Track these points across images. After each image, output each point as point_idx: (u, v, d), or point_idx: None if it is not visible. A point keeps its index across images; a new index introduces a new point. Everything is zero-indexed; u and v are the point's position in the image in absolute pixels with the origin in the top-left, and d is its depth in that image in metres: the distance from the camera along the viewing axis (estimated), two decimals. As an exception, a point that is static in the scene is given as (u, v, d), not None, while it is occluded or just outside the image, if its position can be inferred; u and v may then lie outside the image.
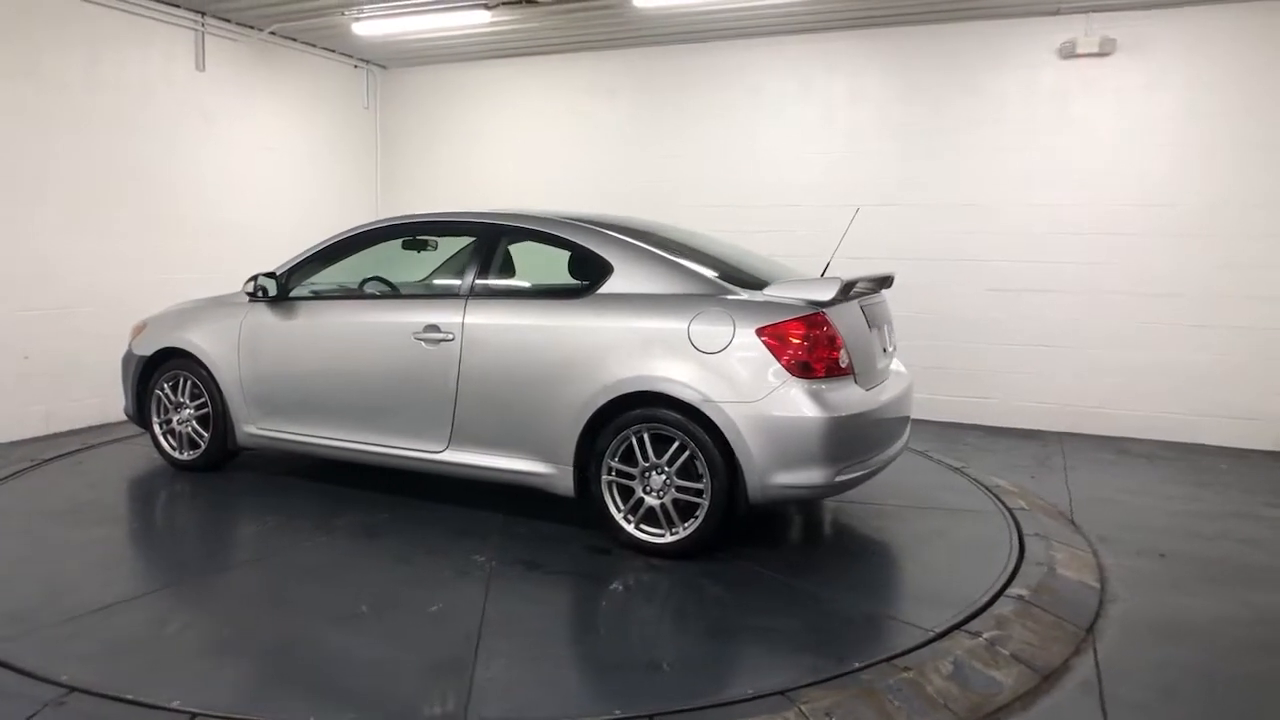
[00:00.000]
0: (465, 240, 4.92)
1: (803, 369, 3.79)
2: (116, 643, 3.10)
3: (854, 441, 3.89)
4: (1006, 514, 4.72)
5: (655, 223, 5.36)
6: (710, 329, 3.89)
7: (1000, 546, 4.21)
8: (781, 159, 7.89)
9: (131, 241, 6.80)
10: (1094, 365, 7.03)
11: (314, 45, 8.34)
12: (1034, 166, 7.06)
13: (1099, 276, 6.95)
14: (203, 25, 7.27)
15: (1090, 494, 5.38)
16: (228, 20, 7.42)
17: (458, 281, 4.58)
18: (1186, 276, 6.74)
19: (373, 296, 4.85)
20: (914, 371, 7.27)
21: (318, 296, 4.89)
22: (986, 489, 5.23)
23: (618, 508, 4.07)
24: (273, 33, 7.74)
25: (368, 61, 9.07)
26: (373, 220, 4.93)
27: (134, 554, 4.17)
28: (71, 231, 6.42)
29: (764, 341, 3.80)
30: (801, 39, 7.69)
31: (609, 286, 4.19)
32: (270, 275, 4.86)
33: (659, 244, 4.37)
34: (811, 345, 3.81)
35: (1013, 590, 3.69)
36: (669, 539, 3.98)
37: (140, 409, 5.37)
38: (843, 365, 3.91)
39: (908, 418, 4.69)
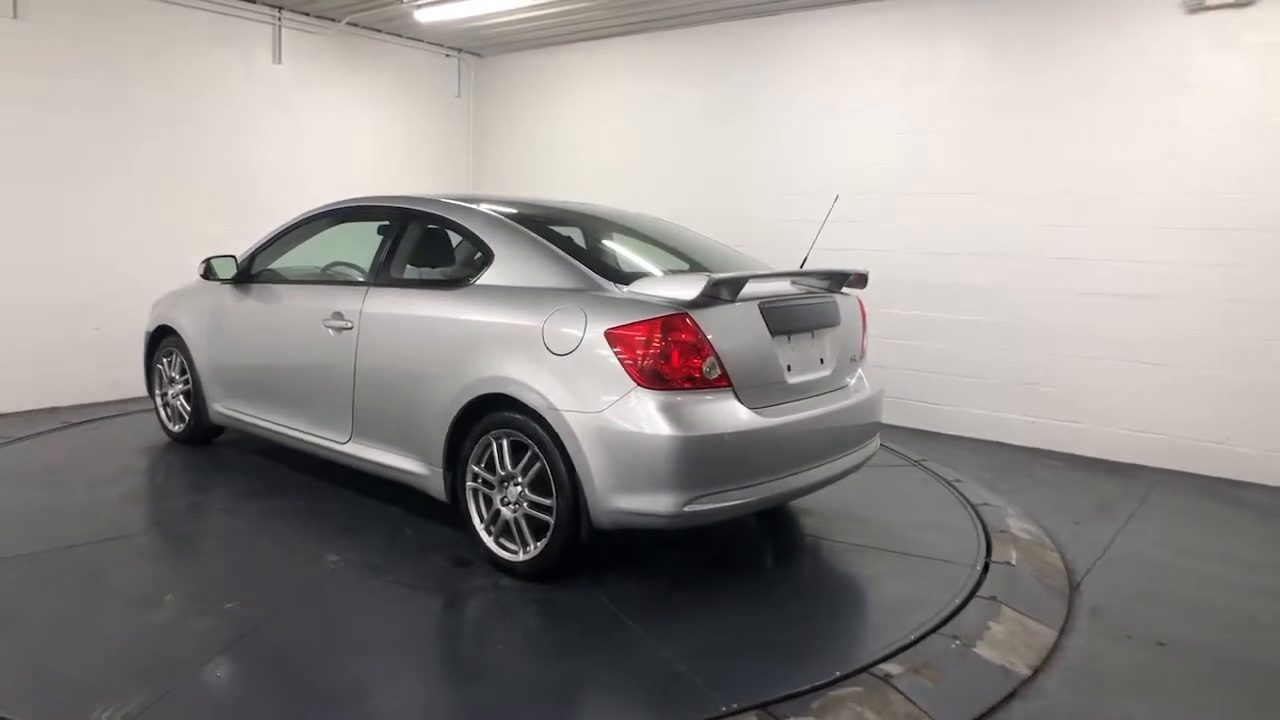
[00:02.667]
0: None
1: (654, 378, 3.27)
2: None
3: (718, 467, 3.31)
4: (975, 569, 3.88)
5: (613, 210, 4.95)
6: (562, 329, 3.45)
7: (921, 610, 3.44)
8: (850, 142, 7.09)
9: (203, 228, 7.25)
10: (1211, 389, 5.72)
11: (400, 35, 8.53)
12: (1141, 147, 5.83)
13: (1220, 281, 5.63)
14: (279, 19, 7.62)
15: (1135, 552, 4.34)
16: (306, 14, 7.74)
17: (367, 268, 4.43)
18: (1338, 285, 5.31)
19: (301, 281, 4.79)
20: (985, 387, 6.30)
21: (263, 280, 4.91)
22: (983, 532, 4.35)
23: (481, 517, 3.74)
24: (353, 24, 7.99)
25: (460, 50, 9.17)
26: (320, 205, 4.89)
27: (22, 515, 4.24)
28: (146, 217, 6.95)
29: (613, 344, 3.32)
30: (876, 7, 6.84)
31: (487, 277, 3.86)
32: (226, 256, 4.94)
33: (547, 232, 3.94)
34: (664, 351, 3.28)
35: (879, 668, 2.98)
36: (521, 557, 3.60)
37: (149, 382, 5.70)
38: (709, 376, 3.34)
39: (855, 439, 3.98)
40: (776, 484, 3.53)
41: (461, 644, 3.17)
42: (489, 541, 3.70)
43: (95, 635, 3.07)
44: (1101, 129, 5.96)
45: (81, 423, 6.00)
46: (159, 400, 5.61)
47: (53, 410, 6.42)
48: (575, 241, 4.12)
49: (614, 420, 3.26)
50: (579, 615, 3.35)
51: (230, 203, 7.43)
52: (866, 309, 4.43)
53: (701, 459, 3.26)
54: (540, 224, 4.03)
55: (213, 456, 5.31)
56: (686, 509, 3.25)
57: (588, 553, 3.53)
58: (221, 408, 5.11)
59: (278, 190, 7.67)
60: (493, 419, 3.63)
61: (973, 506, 4.77)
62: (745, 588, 3.66)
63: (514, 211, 4.14)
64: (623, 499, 3.29)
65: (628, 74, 8.37)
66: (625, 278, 3.62)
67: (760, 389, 3.52)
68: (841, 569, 3.92)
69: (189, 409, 5.35)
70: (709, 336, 3.34)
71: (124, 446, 5.40)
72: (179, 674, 2.80)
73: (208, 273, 4.91)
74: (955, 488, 5.11)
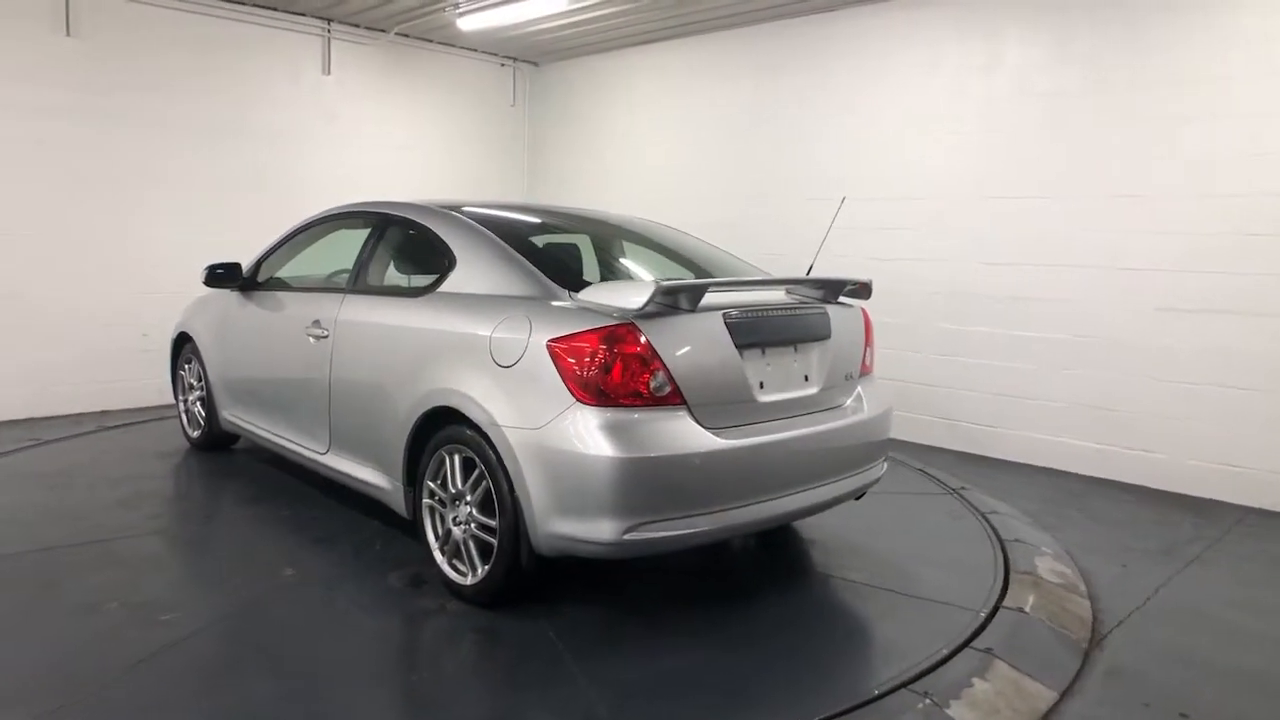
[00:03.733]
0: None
1: (596, 393, 3.00)
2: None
3: (664, 493, 3.01)
4: (979, 614, 3.44)
5: (622, 218, 4.71)
6: (508, 338, 3.23)
7: (900, 659, 3.04)
8: (900, 144, 6.64)
9: (251, 236, 7.36)
10: (1305, 419, 5.02)
11: (452, 45, 8.55)
12: (1226, 142, 5.19)
13: (1315, 295, 4.94)
14: (328, 31, 7.74)
15: (1186, 603, 3.79)
16: (356, 25, 7.83)
17: (347, 275, 4.33)
18: None
19: (293, 289, 4.72)
20: (1045, 409, 5.73)
21: (265, 287, 4.87)
22: (1004, 572, 3.88)
23: (436, 536, 3.55)
24: (403, 35, 8.05)
25: (515, 59, 9.13)
26: (318, 212, 4.83)
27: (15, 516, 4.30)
28: (195, 226, 7.13)
29: (553, 357, 3.08)
30: (929, 1, 6.40)
31: (448, 284, 3.68)
32: (231, 263, 4.93)
33: (513, 237, 3.73)
34: (607, 365, 3.01)
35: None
36: (469, 581, 3.39)
37: (174, 388, 5.79)
38: (659, 393, 3.05)
39: (849, 463, 3.62)
40: (739, 513, 3.20)
41: (384, 670, 2.97)
42: (442, 562, 3.50)
43: (23, 640, 3.03)
44: (1179, 123, 5.34)
45: (116, 426, 6.16)
46: (181, 406, 5.69)
47: (102, 414, 6.64)
48: (557, 248, 3.91)
49: (553, 438, 3.02)
50: (516, 646, 3.11)
51: (279, 212, 7.51)
52: (871, 321, 4.04)
53: (644, 483, 2.98)
54: (509, 228, 3.83)
55: (222, 463, 5.32)
56: (626, 537, 2.97)
57: (531, 580, 3.27)
58: (229, 415, 5.12)
59: (326, 200, 7.67)
60: (446, 433, 3.44)
61: (1001, 542, 4.28)
62: (712, 622, 3.33)
63: (484, 215, 3.95)
64: (561, 523, 3.03)
65: (676, 78, 8.12)
66: (581, 286, 3.37)
67: (723, 407, 3.21)
68: (827, 608, 3.54)
69: (204, 415, 5.39)
70: (658, 349, 3.05)
71: (144, 452, 5.48)
72: (88, 685, 2.72)
73: (209, 279, 4.92)
74: (988, 520, 4.62)
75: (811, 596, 3.63)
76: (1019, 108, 6.01)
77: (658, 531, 3.01)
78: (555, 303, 3.27)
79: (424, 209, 4.02)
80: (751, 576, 3.88)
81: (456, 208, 4.05)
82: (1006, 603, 3.56)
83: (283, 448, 4.58)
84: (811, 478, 3.47)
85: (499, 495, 3.19)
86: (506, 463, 3.13)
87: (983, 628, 3.32)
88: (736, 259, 4.33)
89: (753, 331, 3.33)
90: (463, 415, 3.31)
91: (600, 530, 2.97)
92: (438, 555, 3.52)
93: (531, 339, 3.14)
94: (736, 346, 3.25)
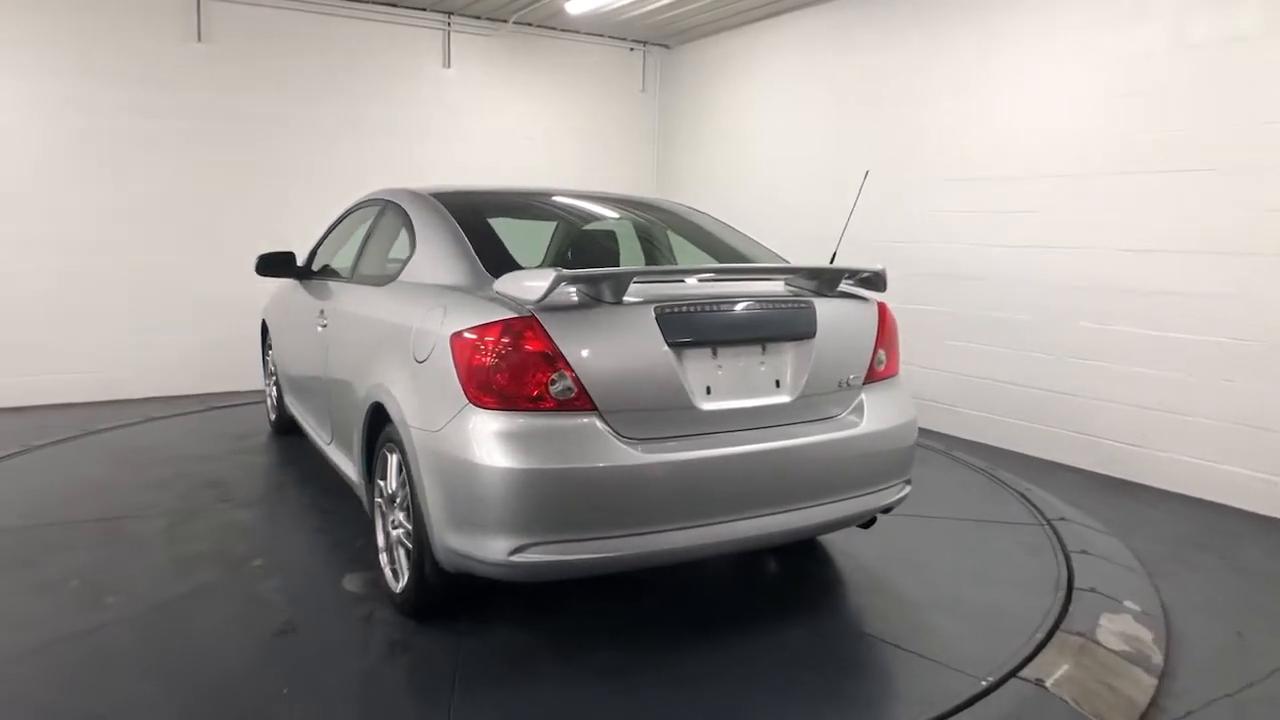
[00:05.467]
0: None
1: (491, 395, 2.68)
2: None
3: (560, 511, 2.63)
4: (983, 681, 2.76)
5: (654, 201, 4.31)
6: (425, 330, 2.97)
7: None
8: (1032, 113, 5.69)
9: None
10: None
11: (577, 31, 8.41)
12: None
13: None
14: (449, 24, 7.84)
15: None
16: (476, 17, 7.88)
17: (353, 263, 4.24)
18: None
19: (321, 278, 4.69)
20: (1201, 428, 4.75)
21: (313, 275, 4.89)
22: (1049, 629, 3.13)
23: (385, 537, 3.38)
24: (523, 23, 8.01)
25: (645, 42, 8.85)
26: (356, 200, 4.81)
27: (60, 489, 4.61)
28: (315, 218, 7.43)
29: (454, 352, 2.78)
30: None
31: (407, 271, 3.48)
32: (283, 252, 4.98)
33: (475, 219, 3.43)
34: (500, 362, 2.67)
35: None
36: (398, 588, 3.18)
37: (263, 371, 6.07)
38: (562, 396, 2.67)
39: (841, 486, 3.05)
40: (669, 538, 2.74)
41: (262, 678, 2.75)
42: (385, 565, 3.32)
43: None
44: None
45: (221, 407, 6.56)
46: (266, 390, 5.95)
47: (228, 394, 7.11)
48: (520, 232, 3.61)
49: (447, 442, 2.73)
50: (411, 664, 2.86)
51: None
52: (893, 317, 3.39)
53: (536, 499, 2.61)
54: (477, 210, 3.54)
55: (282, 448, 5.47)
56: (513, 558, 2.62)
57: (437, 595, 3.01)
58: (288, 400, 5.26)
59: (443, 191, 7.89)
60: (386, 431, 3.24)
61: (1069, 590, 3.48)
62: (644, 661, 2.90)
63: (459, 196, 3.71)
64: (454, 536, 2.74)
65: (798, 53, 7.49)
66: (505, 272, 3.02)
67: (651, 416, 2.77)
68: (794, 658, 2.98)
69: (276, 400, 5.59)
70: (561, 347, 2.67)
71: (223, 434, 5.76)
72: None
73: (260, 268, 5.01)
74: (1068, 560, 3.79)
75: (782, 640, 3.08)
76: (1172, 62, 4.93)
77: (553, 554, 2.63)
78: (471, 291, 2.97)
79: (409, 192, 3.84)
80: (720, 607, 3.37)
81: (463, 190, 3.85)
82: (1026, 671, 2.85)
83: (310, 436, 4.62)
84: (781, 501, 2.94)
85: (411, 500, 2.96)
86: (411, 466, 2.89)
87: (968, 704, 2.65)
88: (762, 248, 3.80)
89: (694, 327, 2.85)
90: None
91: (488, 548, 2.64)
92: (382, 558, 3.34)
93: (440, 332, 2.87)
94: (670, 345, 2.79)
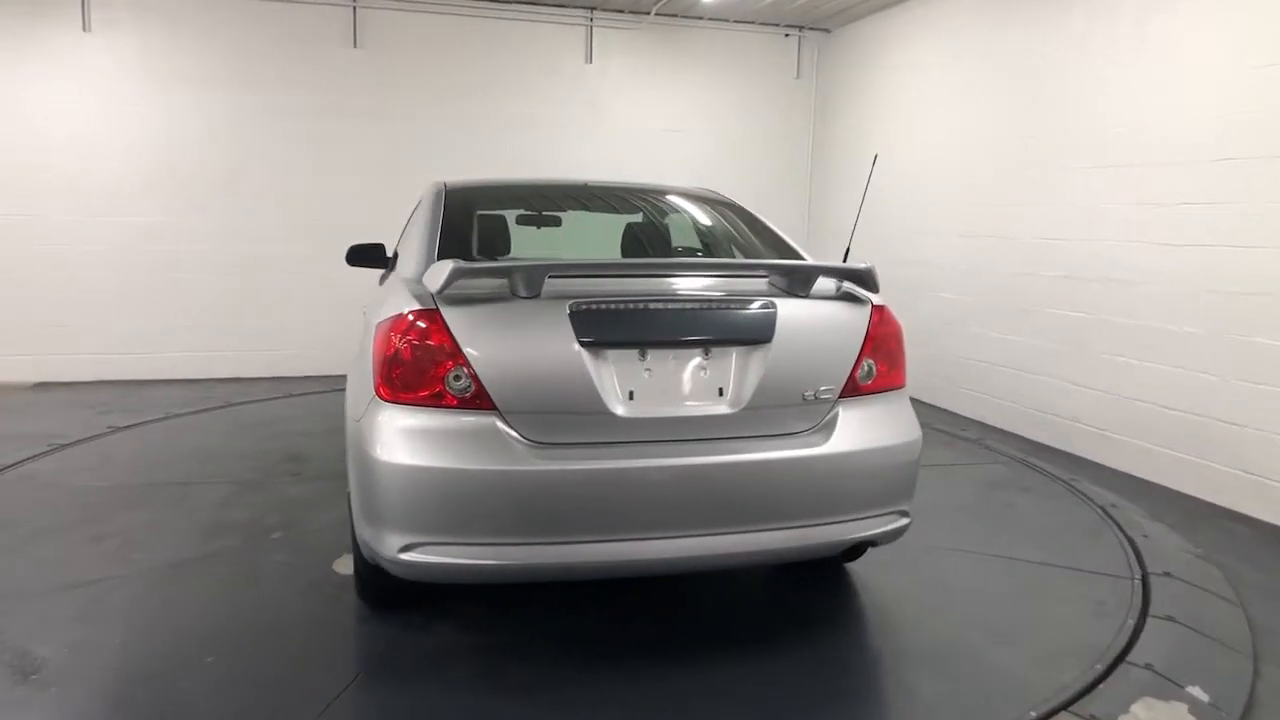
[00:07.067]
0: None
1: (394, 388, 2.61)
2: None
3: (447, 513, 2.50)
4: None
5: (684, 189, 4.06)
6: (368, 322, 3.00)
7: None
8: (1207, 85, 4.76)
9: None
10: None
11: (724, 20, 8.15)
12: None
13: None
14: (590, 20, 7.88)
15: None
16: (620, 11, 7.86)
17: None
18: None
19: None
20: None
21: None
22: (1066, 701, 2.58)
23: (364, 525, 3.43)
24: (666, 14, 7.89)
25: (800, 27, 8.41)
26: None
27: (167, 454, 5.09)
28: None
29: (374, 343, 2.75)
30: None
31: (397, 266, 3.49)
32: (372, 244, 5.18)
33: (463, 211, 3.39)
34: (399, 355, 2.60)
35: None
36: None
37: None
38: (460, 394, 2.54)
39: (797, 512, 2.70)
40: (573, 551, 2.55)
41: (202, 643, 2.85)
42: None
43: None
44: None
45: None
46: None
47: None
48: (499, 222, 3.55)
49: (359, 433, 2.70)
50: (334, 654, 2.87)
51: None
52: (894, 323, 2.93)
53: (423, 497, 2.51)
54: (470, 203, 3.50)
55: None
56: (403, 556, 2.54)
57: (369, 589, 3.01)
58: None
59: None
60: (352, 419, 3.29)
61: (1117, 662, 2.86)
62: (582, 680, 2.73)
63: (473, 190, 3.68)
64: (364, 528, 2.71)
65: (958, 29, 6.77)
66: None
67: (560, 419, 2.58)
68: (752, 696, 2.66)
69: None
70: (460, 341, 2.55)
71: (330, 413, 6.14)
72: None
73: (350, 258, 5.22)
74: (1143, 624, 3.12)
75: (754, 679, 2.76)
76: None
77: (443, 557, 2.53)
78: (409, 283, 2.91)
79: (432, 185, 3.85)
80: (710, 627, 3.10)
81: (486, 184, 3.86)
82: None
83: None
84: (715, 523, 2.64)
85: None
86: (347, 454, 2.91)
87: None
88: (787, 247, 3.44)
89: (613, 326, 2.62)
90: (358, 400, 3.13)
91: (383, 543, 2.58)
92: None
93: (371, 322, 2.86)
94: (583, 344, 2.58)
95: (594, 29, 7.90)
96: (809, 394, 2.75)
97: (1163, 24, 4.97)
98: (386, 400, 2.61)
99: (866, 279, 2.85)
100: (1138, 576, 3.57)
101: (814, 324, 2.80)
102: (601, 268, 2.88)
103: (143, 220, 7.08)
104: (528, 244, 4.22)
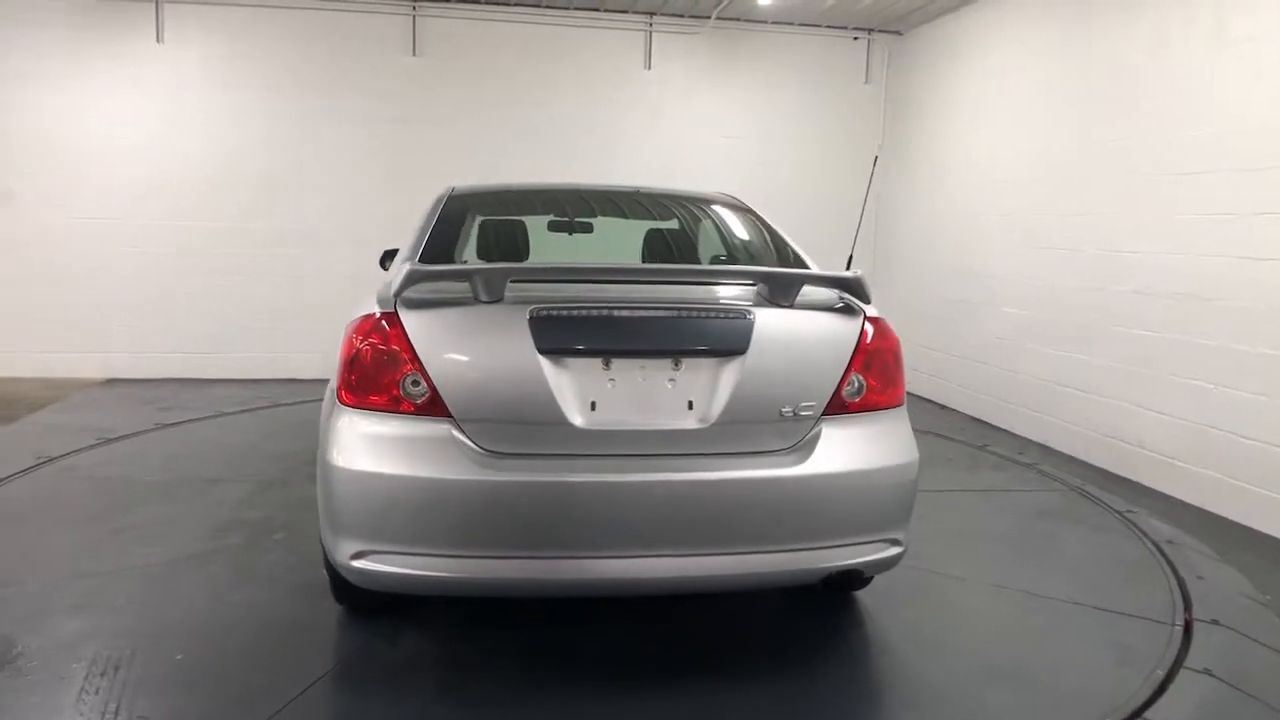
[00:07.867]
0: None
1: (352, 391, 2.56)
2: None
3: (403, 522, 2.44)
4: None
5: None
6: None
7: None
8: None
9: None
10: None
11: (789, 23, 7.95)
12: None
13: None
14: (650, 26, 7.79)
15: None
16: (680, 16, 7.75)
17: None
18: None
19: None
20: None
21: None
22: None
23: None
24: (731, 18, 7.75)
25: (870, 30, 8.13)
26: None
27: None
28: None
29: (340, 346, 2.71)
30: None
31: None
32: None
33: (458, 213, 3.36)
34: (356, 358, 2.55)
35: None
36: (346, 580, 3.19)
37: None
38: (416, 399, 2.47)
39: (775, 535, 2.54)
40: (524, 566, 2.46)
41: (179, 639, 2.88)
42: (353, 555, 3.35)
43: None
44: None
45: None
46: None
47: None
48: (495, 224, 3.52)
49: (323, 435, 2.68)
50: (299, 659, 2.83)
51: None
52: (892, 336, 2.72)
53: (372, 504, 2.46)
54: (467, 208, 3.46)
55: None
56: (355, 564, 2.48)
57: (340, 592, 2.96)
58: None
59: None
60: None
61: (1131, 719, 2.58)
62: (537, 701, 2.63)
63: (478, 195, 3.66)
64: (324, 531, 2.68)
65: (1035, 27, 6.41)
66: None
67: (517, 430, 2.48)
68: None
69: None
70: (416, 346, 2.48)
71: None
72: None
73: (383, 261, 5.26)
74: (1178, 668, 2.82)
75: (736, 709, 2.60)
76: None
77: (393, 566, 2.46)
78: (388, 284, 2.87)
79: (446, 189, 3.83)
80: (696, 648, 2.95)
81: (494, 188, 3.85)
82: None
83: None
84: (680, 544, 2.50)
85: (324, 491, 2.95)
86: (318, 457, 2.88)
87: None
88: (790, 253, 3.27)
89: (575, 333, 2.50)
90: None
91: (337, 549, 2.54)
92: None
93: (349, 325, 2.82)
94: (541, 351, 2.47)
95: (653, 34, 7.82)
96: (787, 410, 2.57)
97: (1242, 24, 4.57)
98: (346, 405, 2.56)
99: (855, 288, 2.65)
100: (1179, 622, 3.23)
101: (796, 336, 2.63)
102: (569, 272, 2.77)
103: (208, 225, 7.34)
104: (545, 249, 4.14)
